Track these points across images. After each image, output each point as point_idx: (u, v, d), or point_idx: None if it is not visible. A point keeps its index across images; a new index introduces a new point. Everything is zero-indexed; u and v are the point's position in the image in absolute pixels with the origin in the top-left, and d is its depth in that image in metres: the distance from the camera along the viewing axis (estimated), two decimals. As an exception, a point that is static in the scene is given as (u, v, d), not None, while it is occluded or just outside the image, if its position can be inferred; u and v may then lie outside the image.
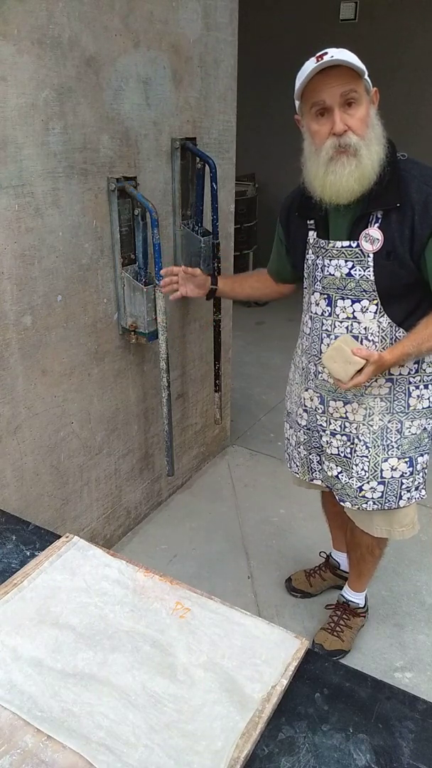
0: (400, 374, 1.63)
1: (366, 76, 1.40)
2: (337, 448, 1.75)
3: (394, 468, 1.70)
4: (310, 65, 1.38)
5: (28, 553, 1.27)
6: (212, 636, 1.08)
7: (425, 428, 1.72)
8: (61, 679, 0.99)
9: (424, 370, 1.66)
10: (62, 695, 0.96)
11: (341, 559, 2.23)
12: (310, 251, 1.64)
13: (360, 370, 1.50)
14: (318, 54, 1.38)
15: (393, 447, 1.68)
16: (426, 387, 1.67)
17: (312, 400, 1.77)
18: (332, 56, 1.35)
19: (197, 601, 1.16)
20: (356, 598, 2.07)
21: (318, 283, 1.62)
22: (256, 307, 4.88)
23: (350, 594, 2.07)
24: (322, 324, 1.64)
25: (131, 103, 2.01)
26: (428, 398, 1.69)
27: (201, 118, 2.37)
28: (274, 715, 0.95)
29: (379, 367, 1.51)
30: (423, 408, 1.69)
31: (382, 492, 1.72)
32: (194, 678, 1.00)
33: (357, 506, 1.75)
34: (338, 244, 1.55)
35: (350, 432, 1.71)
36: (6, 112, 1.61)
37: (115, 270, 2.11)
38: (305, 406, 1.80)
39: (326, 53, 1.36)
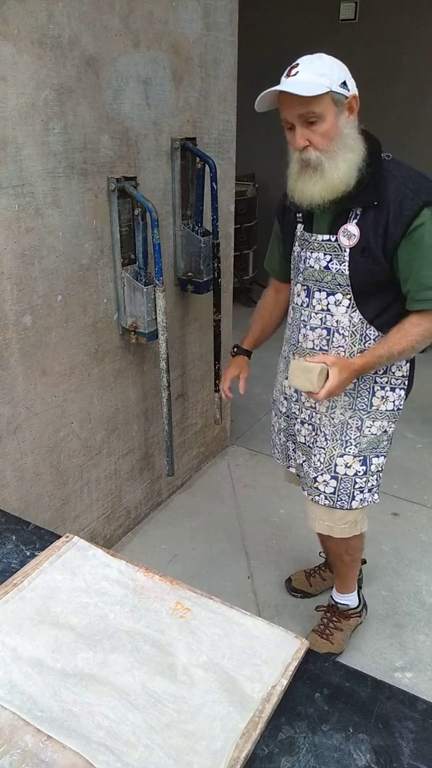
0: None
1: (336, 87, 1.41)
2: (305, 436, 1.80)
3: (348, 465, 1.71)
4: (280, 84, 1.42)
5: (28, 553, 1.27)
6: (212, 636, 1.08)
7: (386, 431, 1.72)
8: (61, 679, 0.99)
9: (393, 372, 1.67)
10: (62, 695, 0.96)
11: None
12: (297, 243, 1.69)
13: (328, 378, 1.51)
14: (290, 67, 1.43)
15: (351, 444, 1.70)
16: (393, 390, 1.68)
17: (290, 387, 1.82)
18: (296, 72, 1.41)
19: (197, 601, 1.16)
20: (344, 599, 2.05)
21: (300, 274, 1.67)
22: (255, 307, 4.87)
23: (337, 596, 2.06)
24: (301, 314, 1.69)
25: (131, 103, 2.01)
26: (393, 401, 1.69)
27: (201, 118, 2.37)
28: (274, 715, 0.95)
29: (348, 370, 1.52)
30: (387, 410, 1.70)
31: (335, 488, 1.73)
32: (194, 678, 1.00)
33: (311, 497, 1.79)
34: (319, 237, 1.60)
35: (315, 422, 1.76)
36: (6, 112, 1.61)
37: (115, 270, 2.11)
38: (285, 393, 1.86)
39: (297, 65, 1.42)
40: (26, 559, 1.25)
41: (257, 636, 1.08)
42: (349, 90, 1.44)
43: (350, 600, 2.06)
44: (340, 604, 2.06)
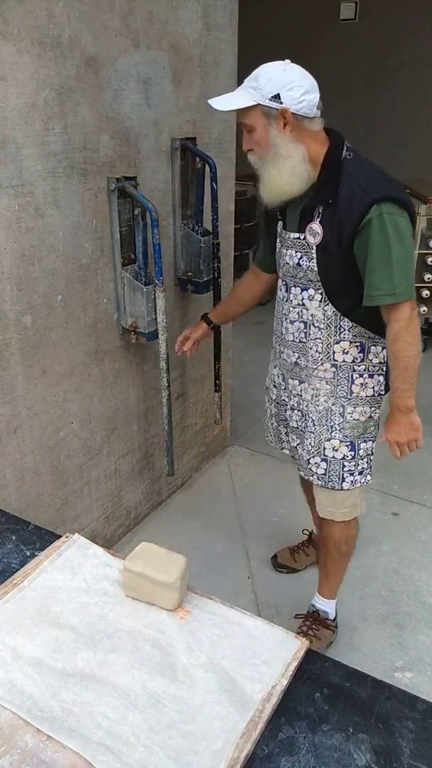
0: (344, 361, 1.71)
1: (265, 101, 1.50)
2: (296, 421, 1.88)
3: (335, 449, 1.77)
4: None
5: (28, 553, 1.27)
6: (212, 636, 1.08)
7: (371, 416, 1.78)
8: (61, 678, 0.99)
9: (371, 360, 1.72)
10: (62, 695, 0.96)
11: None
12: (278, 241, 1.76)
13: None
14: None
15: (335, 429, 1.76)
16: (371, 376, 1.74)
17: (278, 376, 1.91)
18: (243, 83, 1.55)
19: (197, 601, 1.16)
20: (326, 606, 2.04)
21: (281, 270, 1.77)
22: (256, 306, 4.87)
23: (320, 602, 2.05)
24: (282, 308, 1.79)
25: (131, 103, 2.01)
26: (372, 387, 1.75)
27: (201, 118, 2.37)
28: (274, 715, 0.95)
29: (396, 419, 1.64)
30: (367, 396, 1.75)
31: (326, 469, 1.80)
32: (194, 678, 1.00)
33: (307, 477, 1.86)
34: (292, 235, 1.67)
35: (303, 408, 1.83)
36: (6, 112, 1.61)
37: (115, 270, 2.11)
38: (274, 381, 1.94)
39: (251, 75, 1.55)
40: (26, 558, 1.25)
41: (257, 636, 1.08)
42: (282, 102, 1.49)
43: (330, 608, 2.05)
44: (321, 610, 2.04)
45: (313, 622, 2.03)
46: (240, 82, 2.44)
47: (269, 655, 1.04)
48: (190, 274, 2.44)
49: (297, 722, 0.94)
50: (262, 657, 1.04)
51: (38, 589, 1.16)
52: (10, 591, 1.15)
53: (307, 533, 2.40)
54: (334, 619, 2.07)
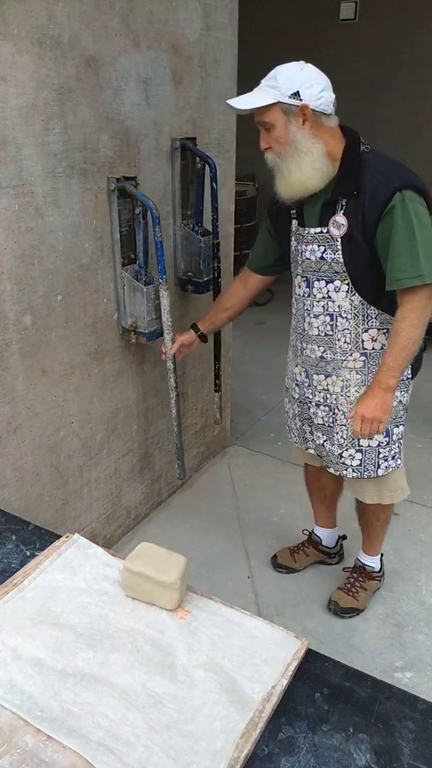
0: (373, 349, 1.75)
1: (285, 98, 1.54)
2: (322, 417, 1.90)
3: (370, 437, 1.81)
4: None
5: (28, 553, 1.27)
6: (212, 636, 1.08)
7: (401, 401, 1.82)
8: (61, 678, 0.99)
9: None
10: (62, 695, 0.96)
11: (323, 535, 2.34)
12: (293, 239, 1.78)
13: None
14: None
15: None
16: None
17: (300, 374, 1.92)
18: (260, 83, 1.59)
19: (197, 601, 1.16)
20: (370, 561, 2.19)
21: (299, 267, 1.78)
22: (256, 306, 4.88)
23: (365, 558, 2.20)
24: (304, 304, 1.80)
25: (131, 103, 2.01)
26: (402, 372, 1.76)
27: (201, 118, 2.37)
28: (274, 715, 0.95)
29: (371, 395, 1.68)
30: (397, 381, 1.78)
31: (361, 460, 1.84)
32: (194, 678, 1.00)
33: (338, 472, 1.90)
34: (312, 230, 1.70)
35: (331, 403, 1.85)
36: (6, 112, 1.61)
37: (115, 270, 2.11)
38: (296, 380, 1.96)
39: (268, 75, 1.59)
40: (26, 559, 1.25)
41: (257, 636, 1.08)
42: (301, 99, 1.53)
43: (375, 563, 2.20)
44: (366, 565, 2.18)
45: (359, 575, 2.19)
46: (240, 82, 2.45)
47: (269, 655, 1.04)
48: (190, 274, 2.44)
49: (297, 722, 0.94)
50: (262, 657, 1.04)
51: (38, 589, 1.16)
52: (10, 591, 1.15)
53: (307, 533, 2.40)
54: (380, 570, 2.22)
